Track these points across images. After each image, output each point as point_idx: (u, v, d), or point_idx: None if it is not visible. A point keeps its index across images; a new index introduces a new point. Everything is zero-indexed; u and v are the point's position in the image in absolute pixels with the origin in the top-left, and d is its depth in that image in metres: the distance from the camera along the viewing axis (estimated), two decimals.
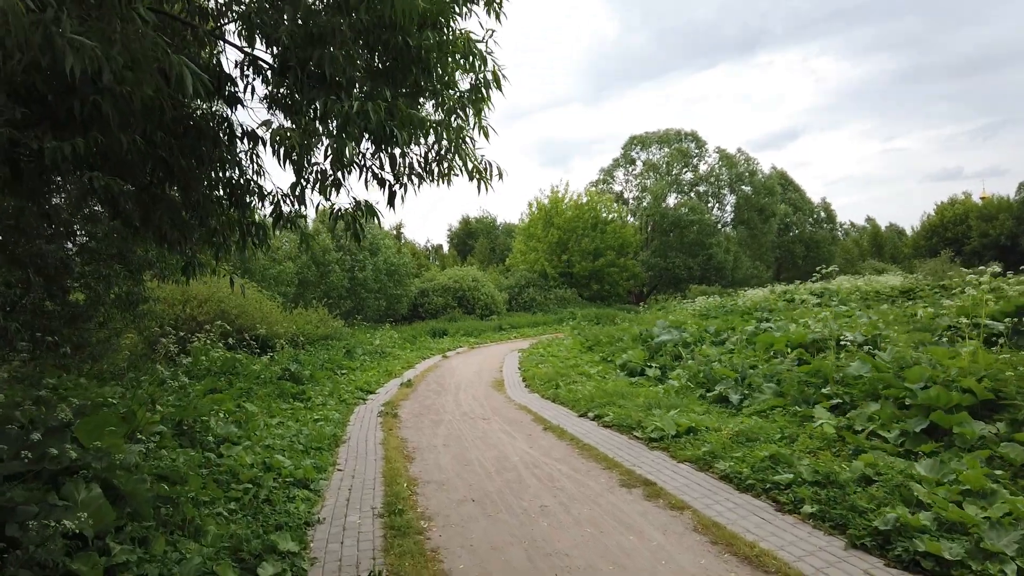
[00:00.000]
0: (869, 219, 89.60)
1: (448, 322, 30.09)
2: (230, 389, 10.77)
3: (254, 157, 4.94)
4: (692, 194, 48.24)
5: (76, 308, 8.78)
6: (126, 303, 13.45)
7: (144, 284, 13.78)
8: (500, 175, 4.59)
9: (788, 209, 51.53)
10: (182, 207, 4.93)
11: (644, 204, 48.90)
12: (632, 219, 46.53)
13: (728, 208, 49.71)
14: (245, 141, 4.78)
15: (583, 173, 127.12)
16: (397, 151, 4.36)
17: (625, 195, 50.69)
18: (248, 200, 5.02)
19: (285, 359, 14.80)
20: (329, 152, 4.25)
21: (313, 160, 4.41)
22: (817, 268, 51.00)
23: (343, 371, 15.88)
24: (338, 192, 4.51)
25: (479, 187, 4.57)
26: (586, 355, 16.13)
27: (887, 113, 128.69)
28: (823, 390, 7.70)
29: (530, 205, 44.69)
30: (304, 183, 4.52)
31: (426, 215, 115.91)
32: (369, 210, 4.63)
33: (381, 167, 4.43)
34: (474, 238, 62.83)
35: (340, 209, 4.72)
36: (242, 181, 4.98)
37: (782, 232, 51.63)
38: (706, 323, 14.42)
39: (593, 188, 48.47)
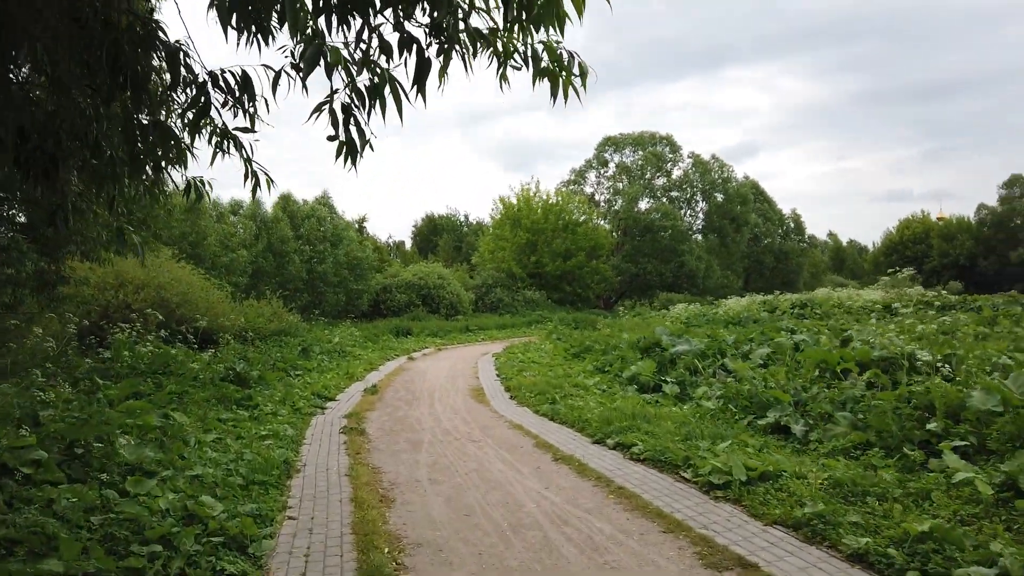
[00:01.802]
0: (831, 234, 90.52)
1: (412, 321, 28.14)
2: (157, 393, 8.73)
3: None
4: (665, 199, 47.16)
5: None
6: (39, 284, 11.31)
7: (64, 263, 11.67)
8: (584, 77, 2.83)
9: (758, 219, 50.89)
10: None
11: (615, 207, 47.65)
12: (603, 222, 45.22)
13: (700, 215, 48.82)
14: None
15: (548, 179, 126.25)
16: None
17: (596, 197, 49.34)
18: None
19: (231, 356, 12.75)
20: None
21: None
22: (786, 280, 50.65)
23: (298, 372, 13.88)
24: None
25: (553, 90, 2.81)
26: (575, 364, 14.42)
27: (843, 133, 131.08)
28: (929, 426, 6.10)
29: (499, 202, 42.99)
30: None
31: (383, 208, 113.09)
32: (390, 84, 2.70)
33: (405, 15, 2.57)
34: (438, 235, 60.82)
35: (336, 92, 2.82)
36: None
37: (752, 242, 50.95)
38: (724, 332, 12.84)
39: (564, 189, 47.00)
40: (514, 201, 41.55)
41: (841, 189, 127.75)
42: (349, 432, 8.59)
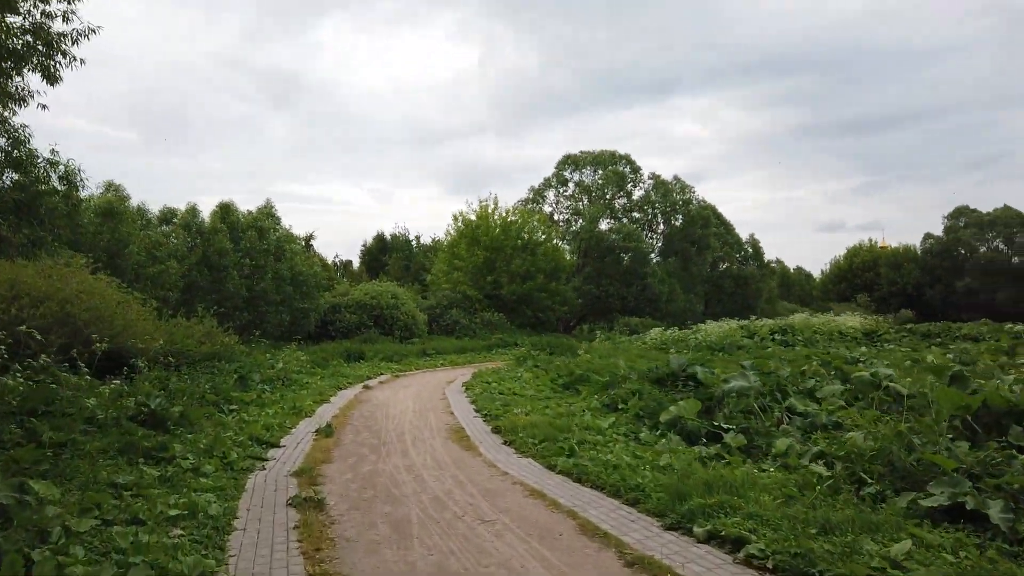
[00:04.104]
0: (778, 261, 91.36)
1: (364, 343, 25.54)
2: (19, 449, 6.16)
3: None
4: (626, 220, 45.82)
5: None
6: None
7: None
8: None
9: (716, 243, 50.06)
10: None
11: (575, 227, 46.09)
12: (562, 243, 43.52)
13: (661, 237, 47.63)
14: None
15: (502, 201, 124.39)
16: None
17: (556, 217, 47.67)
18: None
19: (146, 387, 10.14)
20: None
21: None
22: (746, 304, 49.79)
23: (233, 407, 11.35)
24: None
25: None
26: (569, 397, 12.26)
27: (783, 164, 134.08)
28: None
29: (455, 218, 40.81)
30: None
31: (330, 228, 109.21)
32: None
33: None
34: (387, 254, 58.10)
35: None
36: None
37: (712, 266, 50.04)
38: (769, 363, 10.80)
39: (523, 207, 45.15)
40: (473, 218, 39.44)
41: (782, 218, 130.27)
42: (301, 505, 6.17)
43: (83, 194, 19.41)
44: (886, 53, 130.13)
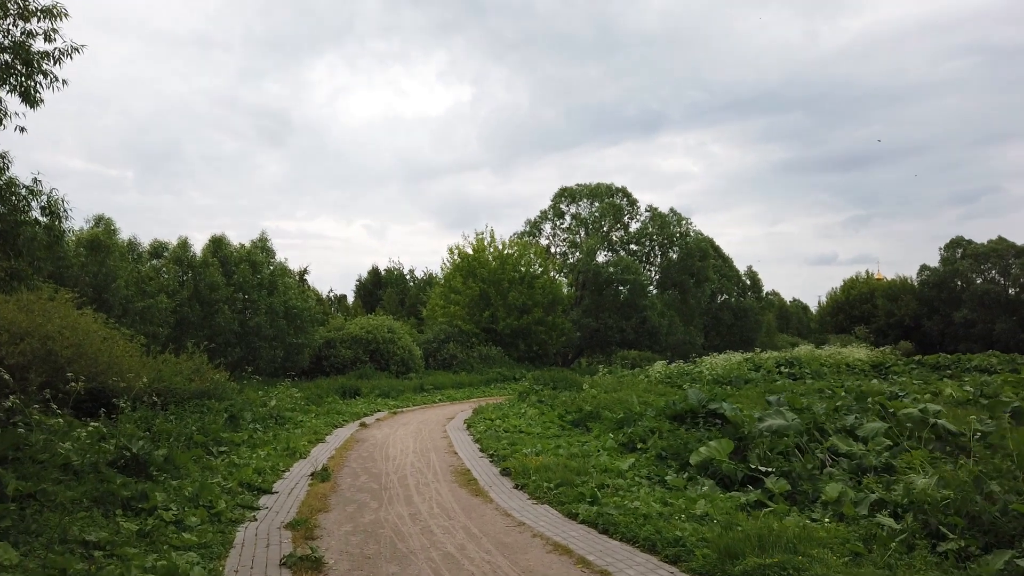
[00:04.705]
0: (775, 293, 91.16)
1: (359, 379, 24.83)
2: None
3: None
4: (623, 252, 45.51)
5: None
6: None
7: None
8: None
9: (714, 276, 49.72)
10: None
11: (571, 260, 45.73)
12: (559, 276, 43.08)
13: (658, 269, 47.26)
14: None
15: (496, 235, 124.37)
16: None
17: (553, 249, 47.30)
18: None
19: (130, 428, 9.44)
20: None
21: None
22: (745, 337, 49.26)
23: (222, 449, 10.65)
24: None
25: None
26: (580, 436, 11.59)
27: (773, 199, 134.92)
28: None
29: (451, 252, 40.33)
30: None
31: (324, 263, 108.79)
32: None
33: None
34: (382, 289, 57.53)
35: None
36: None
37: (710, 299, 49.59)
38: (801, 399, 10.13)
39: (519, 240, 44.78)
40: (469, 251, 38.98)
41: (774, 252, 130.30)
42: (296, 565, 5.47)
43: (72, 227, 18.94)
44: (867, 93, 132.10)
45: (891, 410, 8.53)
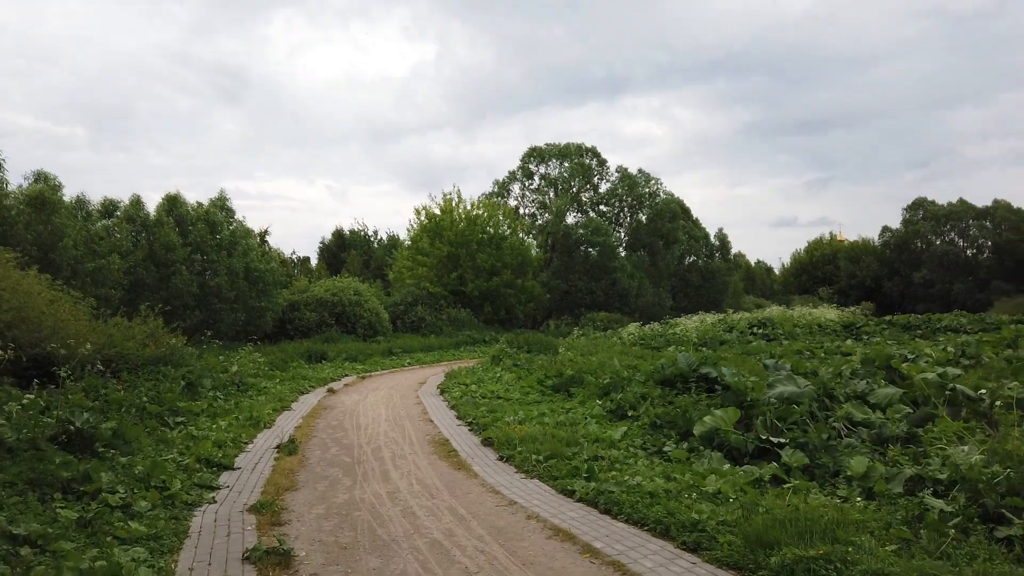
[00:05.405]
0: (740, 254, 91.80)
1: (325, 343, 24.01)
2: None
3: None
4: (593, 213, 44.94)
5: None
6: None
7: None
8: None
9: (683, 237, 49.51)
10: None
11: (541, 221, 45.06)
12: (528, 238, 42.41)
13: (627, 231, 46.84)
14: None
15: (463, 196, 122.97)
16: None
17: (522, 211, 46.49)
18: None
19: (78, 398, 8.63)
20: None
21: None
22: (712, 299, 49.42)
23: (179, 419, 9.89)
24: None
25: None
26: (563, 402, 11.09)
27: (733, 163, 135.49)
28: None
29: (417, 212, 39.30)
30: None
31: (288, 226, 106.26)
32: None
33: None
34: (346, 251, 56.18)
35: None
36: None
37: (679, 260, 49.47)
38: (804, 360, 9.69)
39: (488, 200, 43.85)
40: (436, 211, 38.01)
41: (737, 215, 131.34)
42: (261, 560, 4.81)
43: (6, 181, 17.58)
44: (828, 56, 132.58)
45: (904, 374, 8.14)
